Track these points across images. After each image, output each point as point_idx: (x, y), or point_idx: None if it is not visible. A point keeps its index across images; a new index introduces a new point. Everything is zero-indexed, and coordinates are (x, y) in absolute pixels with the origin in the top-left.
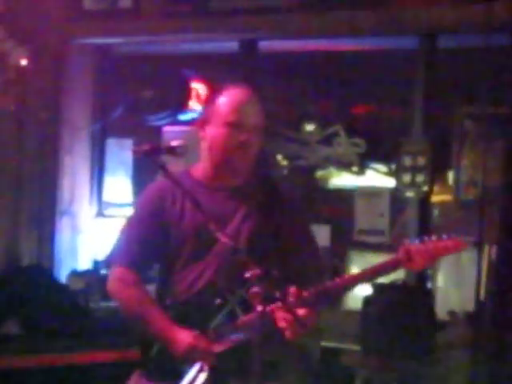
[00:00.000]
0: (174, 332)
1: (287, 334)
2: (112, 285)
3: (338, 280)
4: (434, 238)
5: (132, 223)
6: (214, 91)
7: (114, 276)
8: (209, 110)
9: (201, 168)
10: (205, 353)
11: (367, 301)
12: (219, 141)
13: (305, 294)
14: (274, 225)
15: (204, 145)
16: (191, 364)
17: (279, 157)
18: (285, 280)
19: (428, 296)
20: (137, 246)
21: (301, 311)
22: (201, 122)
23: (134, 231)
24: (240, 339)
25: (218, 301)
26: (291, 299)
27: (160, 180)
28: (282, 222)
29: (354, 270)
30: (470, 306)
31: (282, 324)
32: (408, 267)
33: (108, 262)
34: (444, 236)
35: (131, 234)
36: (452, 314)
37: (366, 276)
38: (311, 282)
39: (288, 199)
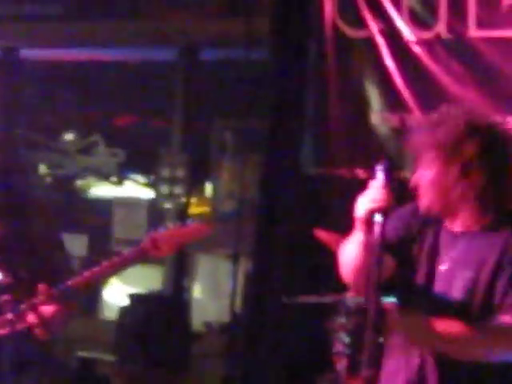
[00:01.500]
0: None
1: (37, 332)
2: None
3: (85, 273)
4: (178, 224)
5: None
6: None
7: None
8: None
9: None
10: None
11: (123, 311)
12: None
13: (53, 290)
14: (22, 230)
15: None
16: None
17: (40, 166)
18: (35, 282)
19: (184, 307)
20: None
21: (49, 309)
22: None
23: None
24: None
25: None
26: (40, 297)
27: None
28: (32, 228)
29: (111, 279)
30: (226, 317)
31: (31, 324)
32: (155, 255)
33: None
34: (188, 222)
35: None
36: (208, 324)
37: (114, 266)
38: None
39: (42, 208)
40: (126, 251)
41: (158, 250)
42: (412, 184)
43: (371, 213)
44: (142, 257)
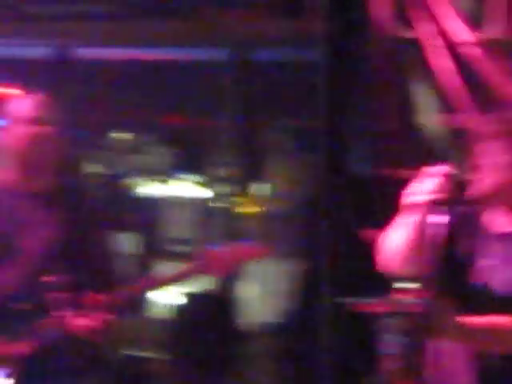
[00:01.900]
0: None
1: (85, 338)
2: None
3: (137, 285)
4: (235, 244)
5: None
6: (10, 99)
7: None
8: (6, 117)
9: (4, 173)
10: (6, 358)
11: (173, 309)
12: (17, 138)
13: (106, 298)
14: (79, 231)
15: (5, 149)
16: None
17: (91, 164)
18: (87, 286)
19: (235, 306)
20: None
21: (99, 316)
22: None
23: None
24: (39, 343)
25: (20, 305)
26: (89, 304)
27: None
28: (86, 229)
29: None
30: (277, 317)
31: (78, 329)
32: (210, 273)
33: None
34: (245, 242)
35: None
36: (259, 324)
37: (168, 281)
38: (106, 289)
39: (94, 207)
40: (181, 269)
41: (213, 268)
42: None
43: (430, 201)
44: (197, 273)
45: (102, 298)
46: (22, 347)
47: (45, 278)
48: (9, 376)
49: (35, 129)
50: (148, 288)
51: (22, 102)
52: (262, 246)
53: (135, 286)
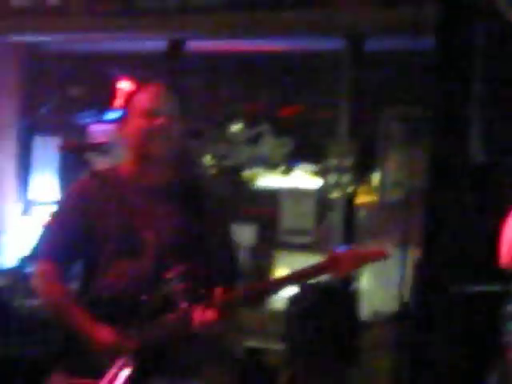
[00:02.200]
0: (93, 330)
1: (203, 332)
2: (35, 280)
3: (262, 283)
4: (359, 246)
5: (55, 220)
6: (129, 92)
7: (37, 271)
8: (125, 109)
9: (124, 166)
10: (125, 351)
11: (291, 301)
12: (135, 130)
13: (228, 294)
14: (198, 224)
15: (124, 142)
16: (113, 360)
17: (207, 156)
18: (208, 280)
19: (352, 296)
20: (60, 242)
21: (216, 311)
22: (119, 122)
23: (58, 228)
24: (162, 337)
25: (142, 298)
26: (215, 299)
27: (84, 177)
28: (206, 222)
29: (280, 269)
30: (395, 307)
31: (202, 322)
32: (333, 274)
33: (32, 258)
34: (369, 244)
35: (54, 231)
36: (376, 314)
37: (291, 280)
38: (227, 284)
39: (212, 199)
40: (305, 267)
41: (336, 269)
42: None
43: None
44: (321, 274)
45: (224, 291)
46: (144, 339)
47: (167, 272)
48: (127, 367)
49: (153, 121)
50: (272, 289)
51: (139, 95)
52: (384, 249)
53: (259, 283)
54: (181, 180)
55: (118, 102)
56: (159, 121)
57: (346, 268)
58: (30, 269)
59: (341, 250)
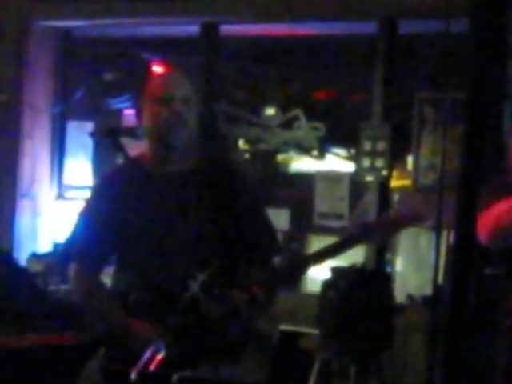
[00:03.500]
0: (133, 327)
1: (245, 314)
2: (72, 283)
3: (300, 258)
4: (391, 212)
5: (85, 216)
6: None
7: (72, 275)
8: (142, 95)
9: (147, 155)
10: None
11: (326, 284)
12: (152, 117)
13: (263, 275)
14: (231, 208)
15: (144, 129)
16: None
17: (240, 141)
18: (246, 260)
19: (386, 280)
20: (92, 238)
21: (259, 291)
22: (138, 110)
23: (89, 223)
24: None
25: (176, 289)
26: (248, 281)
27: (114, 166)
28: (240, 205)
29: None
30: (429, 290)
31: (239, 305)
32: (367, 241)
33: (65, 256)
34: (400, 209)
35: (86, 227)
36: (410, 297)
37: (328, 252)
38: (267, 261)
39: (245, 183)
40: (338, 239)
41: (369, 237)
42: None
43: None
44: (353, 244)
45: (260, 274)
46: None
47: (200, 259)
48: (161, 351)
49: (167, 108)
50: (312, 262)
51: (153, 81)
52: (416, 214)
53: (299, 259)
54: (211, 165)
55: None
56: (173, 107)
57: (380, 235)
58: (64, 254)
59: (375, 217)
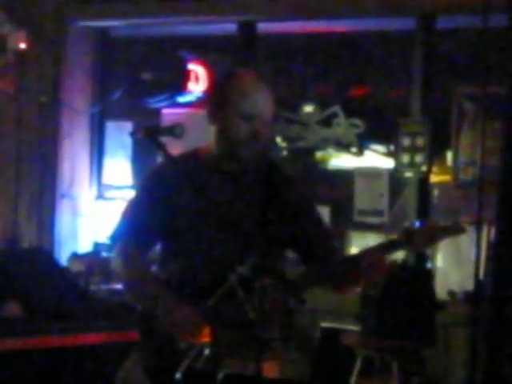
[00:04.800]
0: (175, 308)
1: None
2: (115, 262)
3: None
4: (434, 220)
5: (134, 204)
6: (221, 75)
7: (117, 252)
8: (218, 97)
9: (208, 151)
10: (201, 329)
11: None
12: (230, 131)
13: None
14: (280, 206)
15: (214, 130)
16: (192, 343)
17: (279, 138)
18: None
19: (428, 276)
20: (139, 227)
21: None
22: (211, 108)
23: (137, 212)
24: (240, 318)
25: (220, 279)
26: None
27: (162, 161)
28: (293, 203)
29: (354, 250)
30: (470, 286)
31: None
32: (408, 248)
33: (112, 240)
34: (444, 219)
35: (133, 216)
36: (452, 293)
37: (369, 256)
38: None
39: (292, 181)
40: (379, 243)
41: (411, 244)
42: None
43: None
44: (395, 249)
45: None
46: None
47: (246, 254)
48: (205, 350)
49: (251, 126)
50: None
51: (237, 87)
52: (460, 224)
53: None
54: (261, 164)
55: (191, 85)
56: (255, 126)
57: (422, 243)
58: (106, 254)
59: (416, 225)
